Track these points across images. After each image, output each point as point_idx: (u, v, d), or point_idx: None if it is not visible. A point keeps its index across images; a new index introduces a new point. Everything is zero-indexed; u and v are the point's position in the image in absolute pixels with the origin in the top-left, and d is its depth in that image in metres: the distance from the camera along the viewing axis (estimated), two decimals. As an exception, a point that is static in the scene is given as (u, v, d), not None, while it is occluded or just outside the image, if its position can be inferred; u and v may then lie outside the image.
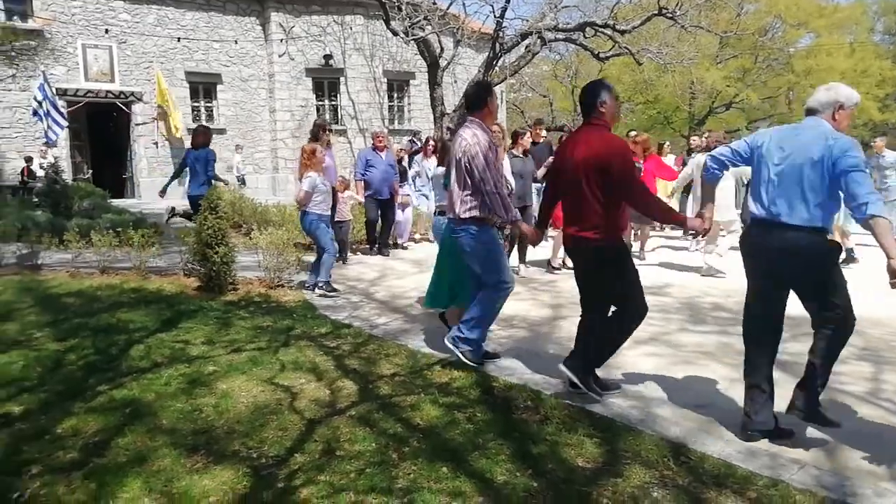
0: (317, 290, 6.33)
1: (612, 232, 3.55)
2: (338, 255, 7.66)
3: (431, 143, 10.03)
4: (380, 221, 8.93)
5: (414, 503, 2.63)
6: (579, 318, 3.82)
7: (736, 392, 3.84)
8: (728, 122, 29.36)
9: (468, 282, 4.38)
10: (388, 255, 8.86)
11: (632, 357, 4.46)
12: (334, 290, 6.41)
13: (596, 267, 3.61)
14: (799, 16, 26.72)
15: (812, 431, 3.28)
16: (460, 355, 4.16)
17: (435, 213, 5.55)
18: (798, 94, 26.95)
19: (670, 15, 11.92)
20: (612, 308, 3.72)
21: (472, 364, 4.14)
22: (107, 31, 15.35)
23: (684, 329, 5.22)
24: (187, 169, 8.72)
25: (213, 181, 8.29)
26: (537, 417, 3.46)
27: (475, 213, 4.04)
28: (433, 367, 4.25)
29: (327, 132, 7.61)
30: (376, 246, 8.99)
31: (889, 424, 3.40)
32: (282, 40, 17.51)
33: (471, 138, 3.99)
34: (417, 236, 10.26)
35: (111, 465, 2.94)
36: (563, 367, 3.71)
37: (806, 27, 27.98)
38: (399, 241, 9.59)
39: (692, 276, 7.40)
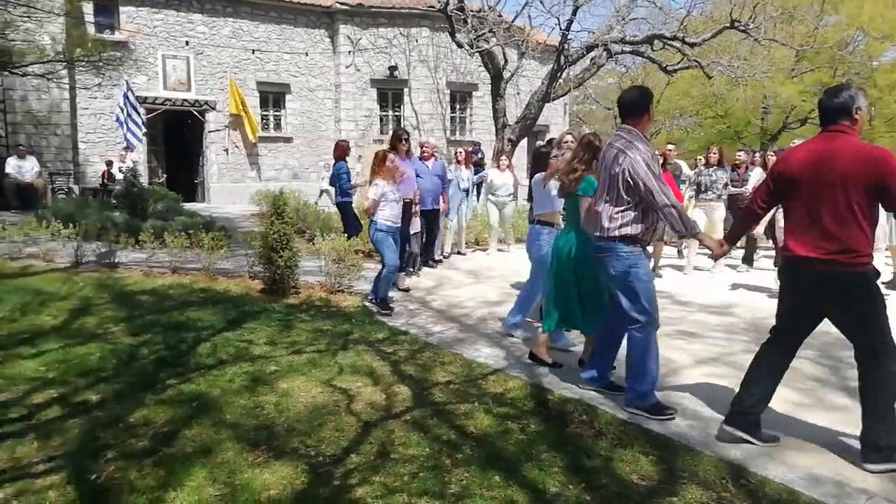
0: (366, 301, 6.29)
1: (871, 255, 3.10)
2: (410, 269, 7.73)
3: (462, 152, 9.88)
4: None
5: (465, 509, 2.65)
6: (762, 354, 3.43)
7: (801, 416, 3.71)
8: (804, 137, 28.19)
9: (604, 305, 4.09)
10: (434, 267, 8.64)
11: (694, 376, 4.36)
12: (389, 308, 6.06)
13: (870, 297, 3.09)
14: (884, 28, 25.40)
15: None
16: (645, 415, 3.62)
17: (532, 222, 5.20)
18: (880, 109, 25.65)
19: (742, 28, 11.60)
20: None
21: (659, 418, 3.58)
22: (186, 42, 16.14)
23: (749, 350, 5.04)
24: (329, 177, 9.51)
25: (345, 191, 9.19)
26: (592, 432, 3.43)
27: (627, 230, 3.65)
28: (487, 377, 4.27)
29: (405, 142, 7.43)
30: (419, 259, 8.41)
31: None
32: (349, 52, 17.96)
33: (630, 149, 3.60)
34: (448, 248, 9.60)
35: (179, 455, 3.09)
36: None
37: (891, 40, 26.61)
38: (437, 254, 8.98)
39: (760, 296, 7.15)
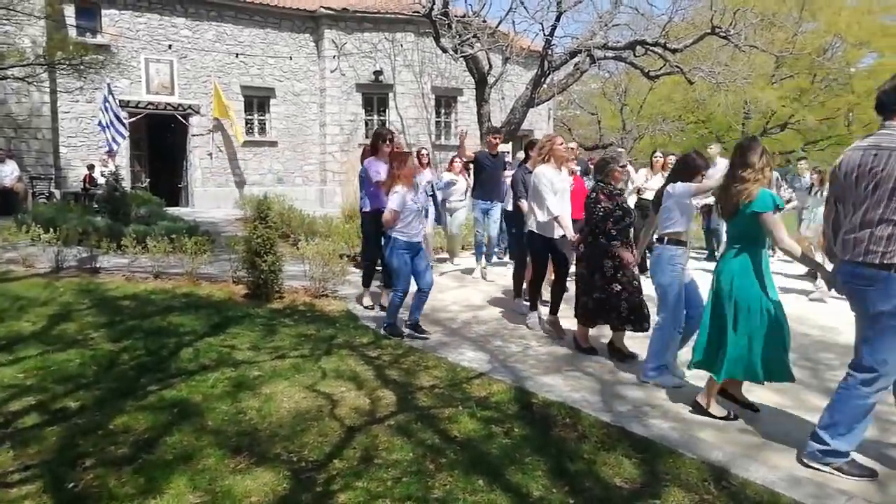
0: (382, 330, 5.41)
1: None
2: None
3: (425, 155, 8.60)
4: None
5: (449, 514, 2.65)
6: None
7: (782, 418, 3.74)
8: (784, 143, 28.60)
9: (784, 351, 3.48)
10: None
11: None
12: (399, 333, 5.33)
13: None
14: (861, 35, 25.86)
15: (864, 462, 3.16)
16: (833, 472, 3.08)
17: (660, 241, 4.29)
18: (857, 115, 26.05)
19: (723, 34, 11.75)
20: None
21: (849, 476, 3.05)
22: (169, 46, 16.02)
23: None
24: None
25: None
26: (575, 435, 3.44)
27: None
28: (472, 381, 4.27)
29: (389, 143, 6.26)
30: None
31: None
32: (334, 56, 17.93)
33: None
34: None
35: (159, 462, 3.06)
36: None
37: (868, 46, 27.07)
38: None
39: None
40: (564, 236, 5.29)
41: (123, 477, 2.91)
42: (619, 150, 5.16)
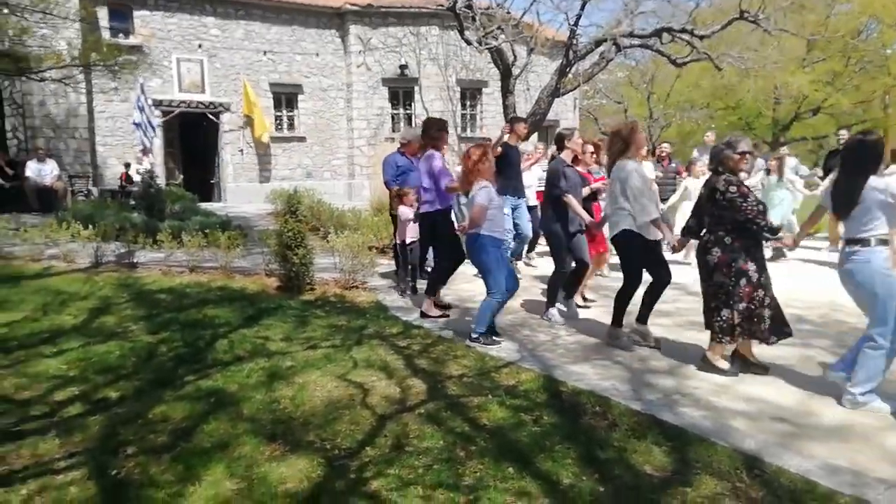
0: (469, 342, 4.87)
1: None
2: (409, 284, 6.64)
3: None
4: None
5: (480, 500, 2.68)
6: None
7: (815, 406, 3.69)
8: (816, 128, 27.91)
9: None
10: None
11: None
12: (494, 340, 4.91)
13: None
14: (897, 15, 25.09)
15: (900, 451, 3.11)
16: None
17: (856, 242, 3.69)
18: (894, 97, 25.29)
19: (752, 19, 11.47)
20: None
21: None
22: (199, 45, 16.28)
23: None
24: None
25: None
26: (605, 423, 3.45)
27: None
28: (500, 370, 4.29)
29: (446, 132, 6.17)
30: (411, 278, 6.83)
31: None
32: (360, 52, 18.02)
33: None
34: None
35: (197, 450, 3.15)
36: None
37: (906, 27, 26.22)
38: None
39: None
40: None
41: (163, 464, 3.01)
42: (738, 134, 4.30)
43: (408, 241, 6.60)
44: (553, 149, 7.36)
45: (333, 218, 10.37)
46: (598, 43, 13.58)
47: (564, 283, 5.77)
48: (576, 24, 12.88)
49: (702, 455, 3.06)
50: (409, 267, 6.73)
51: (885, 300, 3.56)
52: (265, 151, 17.49)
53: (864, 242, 3.61)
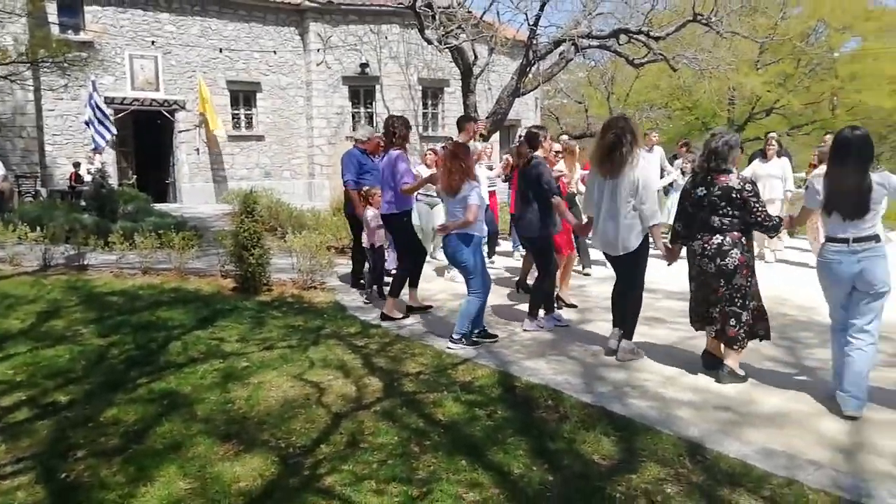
0: (449, 344, 4.78)
1: None
2: (375, 288, 6.35)
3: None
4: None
5: (432, 493, 2.73)
6: None
7: (756, 395, 3.85)
8: (769, 128, 28.76)
9: None
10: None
11: (658, 359, 4.48)
12: (476, 343, 4.86)
13: None
14: (844, 19, 26.05)
15: (838, 437, 3.27)
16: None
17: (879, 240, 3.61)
18: (841, 99, 26.26)
19: (705, 21, 11.81)
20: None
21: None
22: (153, 42, 15.93)
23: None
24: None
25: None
26: (556, 416, 3.53)
27: None
28: (457, 367, 4.35)
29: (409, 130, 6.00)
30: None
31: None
32: (319, 50, 17.89)
33: None
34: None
35: (149, 451, 3.12)
36: None
37: (851, 31, 27.26)
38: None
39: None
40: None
41: (114, 467, 2.98)
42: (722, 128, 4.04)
43: (377, 244, 6.33)
44: (508, 149, 7.38)
45: (292, 218, 10.30)
46: (558, 43, 13.77)
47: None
48: (535, 24, 13.05)
49: (648, 443, 3.17)
50: (377, 272, 6.41)
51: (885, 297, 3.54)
52: (222, 151, 17.22)
53: (877, 238, 3.52)
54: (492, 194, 8.25)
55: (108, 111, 13.68)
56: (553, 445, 3.17)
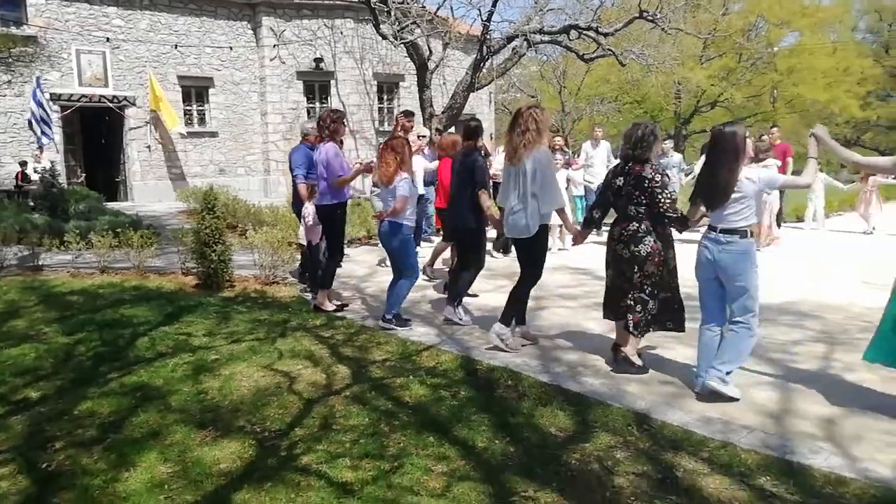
0: (381, 323, 5.20)
1: None
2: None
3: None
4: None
5: (403, 466, 2.94)
6: None
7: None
8: (714, 120, 29.82)
9: None
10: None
11: (607, 342, 4.77)
12: (406, 321, 5.26)
13: None
14: (782, 15, 27.26)
15: (767, 405, 3.61)
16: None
17: (748, 234, 3.69)
18: (781, 92, 27.47)
19: (650, 18, 12.29)
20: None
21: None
22: (102, 36, 15.56)
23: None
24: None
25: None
26: (516, 395, 3.78)
27: None
28: (422, 353, 4.56)
29: (344, 124, 6.07)
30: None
31: (833, 396, 3.72)
32: (274, 45, 17.77)
33: None
34: None
35: (128, 440, 3.24)
36: None
37: (789, 26, 28.52)
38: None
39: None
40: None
41: (95, 455, 3.09)
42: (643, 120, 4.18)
43: (314, 241, 6.19)
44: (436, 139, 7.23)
45: (250, 215, 10.32)
46: (510, 39, 14.09)
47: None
48: (488, 20, 13.32)
49: (599, 416, 3.45)
50: (315, 268, 6.16)
51: (755, 287, 3.68)
52: (175, 147, 16.97)
53: (741, 232, 3.63)
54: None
55: (55, 108, 13.34)
56: (513, 420, 3.41)
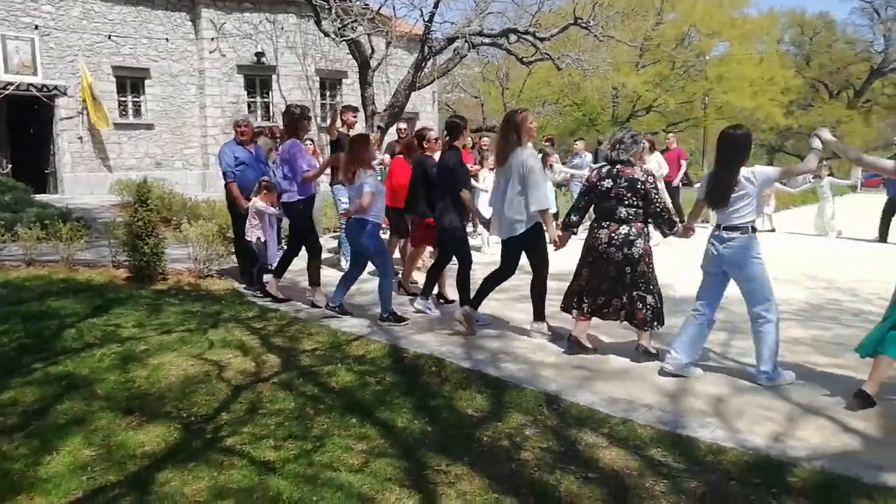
0: (380, 322, 5.23)
1: None
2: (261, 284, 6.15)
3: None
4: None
5: (325, 446, 3.09)
6: None
7: (609, 356, 4.47)
8: (649, 124, 30.94)
9: None
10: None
11: (523, 325, 5.03)
12: (403, 318, 5.27)
13: None
14: (712, 25, 28.54)
15: (667, 385, 3.93)
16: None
17: (750, 230, 3.90)
18: (711, 99, 28.73)
19: (584, 25, 12.74)
20: None
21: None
22: (31, 23, 14.97)
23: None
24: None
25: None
26: (438, 380, 3.99)
27: None
28: (351, 343, 4.71)
29: (308, 121, 6.05)
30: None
31: (725, 377, 4.07)
32: (212, 39, 17.47)
33: None
34: None
35: (52, 427, 3.28)
36: None
37: (719, 36, 29.88)
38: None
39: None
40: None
41: (16, 442, 3.11)
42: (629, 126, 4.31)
43: (263, 238, 6.25)
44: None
45: (186, 209, 10.19)
46: (451, 40, 14.30)
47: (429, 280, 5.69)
48: (430, 20, 13.49)
49: (514, 398, 3.69)
50: (262, 266, 6.25)
51: (766, 278, 3.89)
52: (108, 139, 16.48)
53: (744, 230, 3.82)
54: None
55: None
56: (433, 403, 3.61)
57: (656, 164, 9.98)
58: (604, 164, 4.47)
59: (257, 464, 2.91)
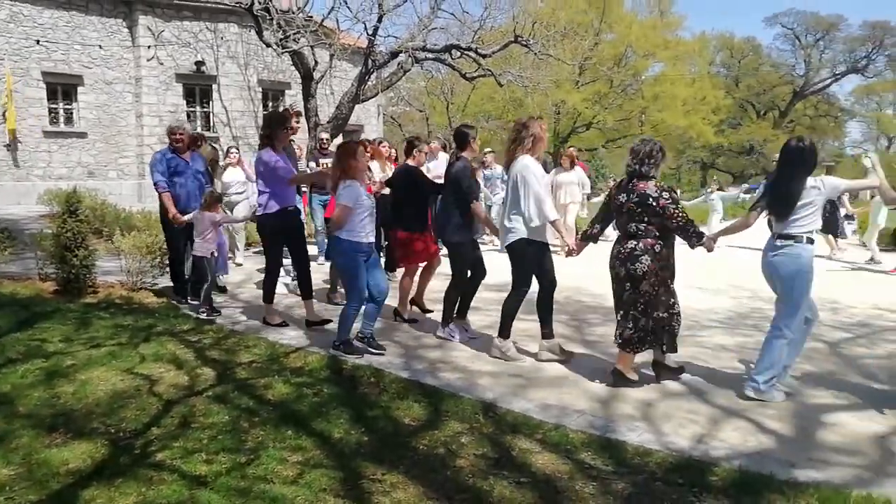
0: (332, 350, 4.67)
1: None
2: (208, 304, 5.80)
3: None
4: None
5: (259, 458, 3.06)
6: None
7: (544, 364, 4.58)
8: (589, 140, 31.86)
9: None
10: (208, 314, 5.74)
11: (469, 341, 5.10)
12: (357, 350, 4.66)
13: None
14: (647, 47, 29.72)
15: (599, 392, 4.06)
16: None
17: (803, 240, 3.81)
18: (648, 116, 29.84)
19: (524, 43, 13.06)
20: None
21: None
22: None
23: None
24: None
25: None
26: (376, 390, 4.00)
27: None
28: (289, 355, 4.67)
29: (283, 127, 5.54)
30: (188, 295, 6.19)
31: (654, 382, 4.23)
32: (149, 47, 17.03)
33: None
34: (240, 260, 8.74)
35: (-34, 446, 3.12)
36: None
37: (654, 57, 31.10)
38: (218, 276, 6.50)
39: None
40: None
41: (-74, 462, 2.96)
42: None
43: (214, 253, 5.92)
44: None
45: (119, 220, 9.87)
46: (395, 54, 14.41)
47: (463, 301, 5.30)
48: (374, 34, 13.57)
49: (451, 406, 3.74)
50: (210, 283, 5.89)
51: (803, 295, 3.83)
52: (37, 147, 15.81)
53: (798, 239, 3.77)
54: None
55: None
56: (371, 413, 3.63)
57: (577, 177, 10.29)
58: (624, 177, 4.25)
59: (188, 478, 2.85)
